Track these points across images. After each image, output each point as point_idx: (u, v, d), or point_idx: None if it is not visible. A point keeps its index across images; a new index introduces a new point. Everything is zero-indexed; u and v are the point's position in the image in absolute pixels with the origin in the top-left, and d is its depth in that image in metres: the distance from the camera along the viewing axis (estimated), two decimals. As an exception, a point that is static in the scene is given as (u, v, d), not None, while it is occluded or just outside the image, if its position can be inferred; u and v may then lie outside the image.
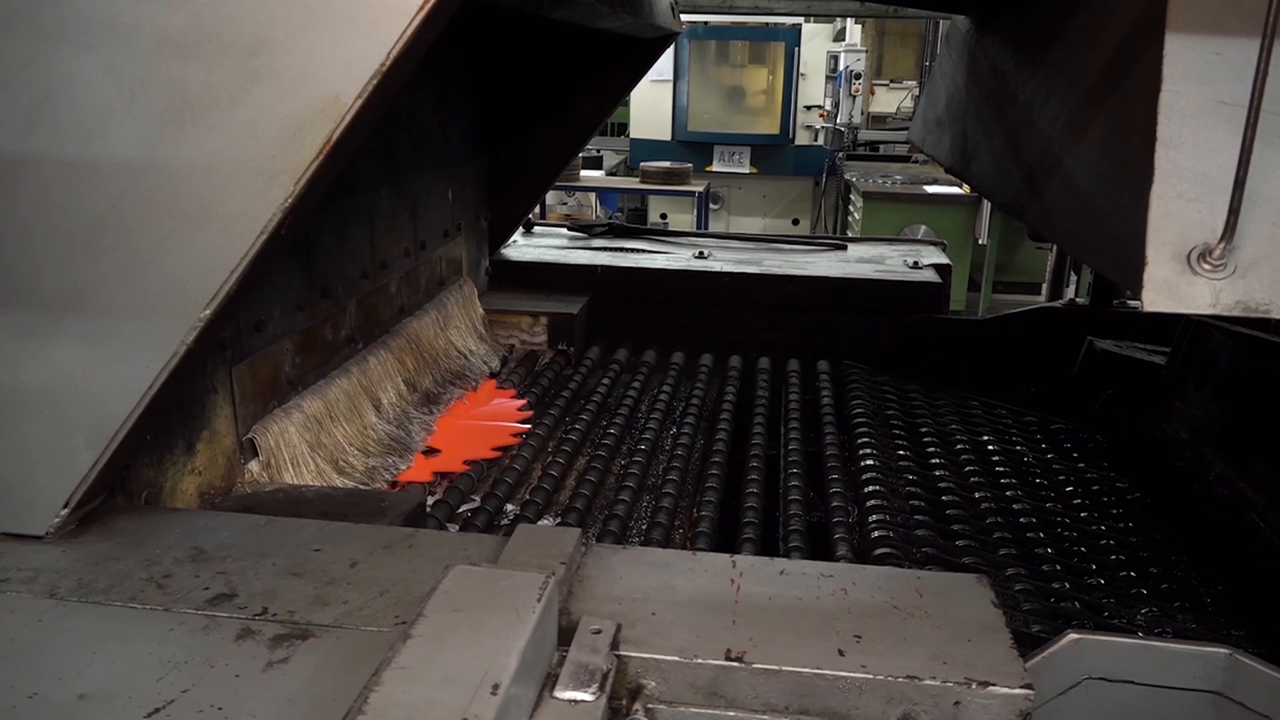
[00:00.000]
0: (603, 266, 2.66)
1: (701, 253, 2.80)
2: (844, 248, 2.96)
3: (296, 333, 1.63)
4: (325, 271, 1.73)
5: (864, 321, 2.53)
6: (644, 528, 1.61)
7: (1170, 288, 0.90)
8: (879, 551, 1.51)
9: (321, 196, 1.12)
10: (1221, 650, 1.10)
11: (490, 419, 2.05)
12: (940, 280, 2.60)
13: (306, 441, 1.56)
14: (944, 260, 2.79)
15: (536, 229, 3.07)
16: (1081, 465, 2.05)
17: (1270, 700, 1.04)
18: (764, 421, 2.07)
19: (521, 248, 2.85)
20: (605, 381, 2.29)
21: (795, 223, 8.73)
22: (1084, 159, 1.18)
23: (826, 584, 1.07)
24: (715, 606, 1.02)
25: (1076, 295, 4.05)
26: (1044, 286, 3.40)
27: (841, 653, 0.95)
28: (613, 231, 3.05)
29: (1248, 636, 1.44)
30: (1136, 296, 0.91)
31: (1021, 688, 0.91)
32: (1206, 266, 0.90)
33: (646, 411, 2.12)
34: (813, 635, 0.97)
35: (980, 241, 7.08)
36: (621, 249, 2.86)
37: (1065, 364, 2.37)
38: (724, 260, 2.75)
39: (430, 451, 1.85)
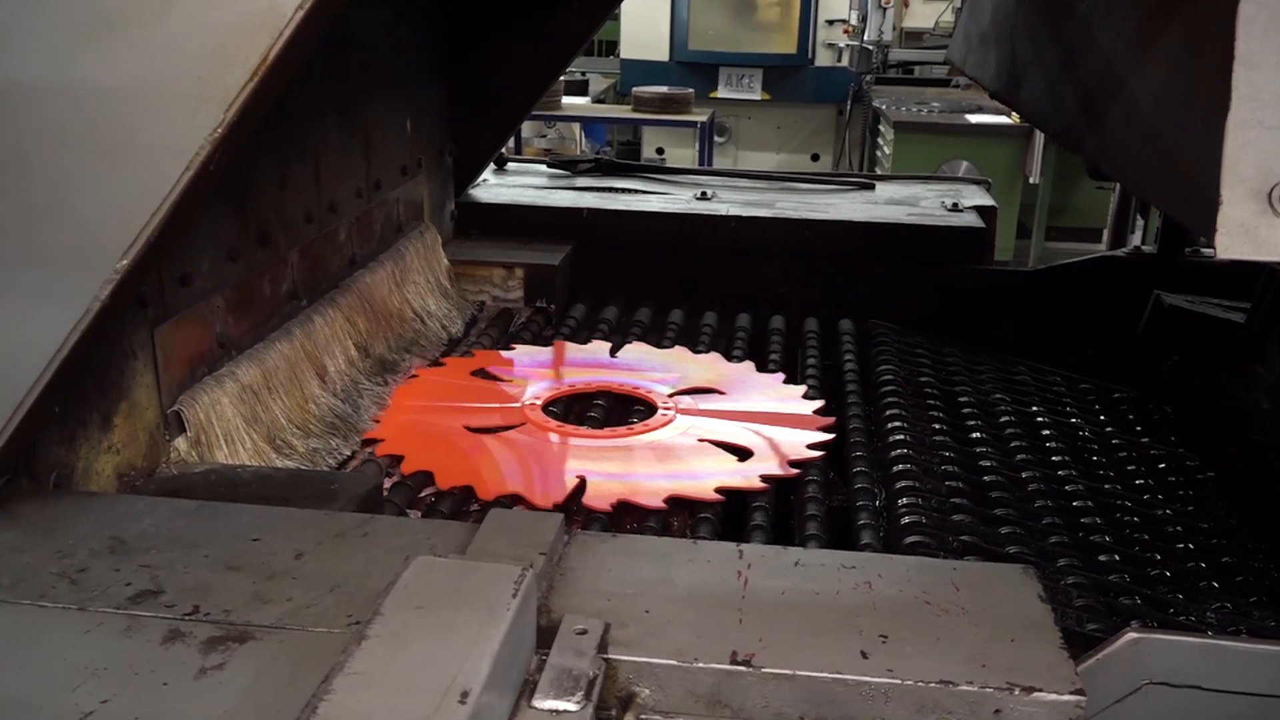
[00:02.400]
0: (589, 209, 2.66)
1: (704, 193, 2.80)
2: (871, 187, 2.96)
3: (229, 287, 1.63)
4: (262, 216, 1.73)
5: (894, 273, 2.53)
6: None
7: (1248, 231, 0.91)
8: (910, 540, 1.53)
9: (257, 127, 1.12)
10: (1301, 649, 1.12)
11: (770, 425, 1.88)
12: (983, 225, 2.60)
13: (242, 415, 1.56)
14: (988, 201, 2.79)
15: (510, 166, 3.06)
16: (1145, 440, 2.06)
17: (1356, 706, 1.06)
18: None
19: (493, 188, 2.84)
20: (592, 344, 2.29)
21: (815, 158, 8.71)
22: (1151, 80, 1.18)
23: (848, 576, 1.09)
24: (719, 602, 1.04)
25: (1143, 243, 4.05)
26: (1105, 232, 3.41)
27: (865, 654, 0.96)
28: (600, 168, 3.04)
29: (1334, 635, 1.46)
30: (1209, 242, 0.91)
31: (1071, 693, 0.93)
32: (1290, 207, 0.90)
33: (640, 379, 2.13)
34: (832, 634, 0.99)
35: (1031, 180, 7.07)
36: (610, 189, 2.85)
37: (1128, 323, 2.39)
38: (730, 202, 2.74)
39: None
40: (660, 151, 8.51)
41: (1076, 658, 1.09)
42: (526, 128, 7.94)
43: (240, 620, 1.01)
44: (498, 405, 1.94)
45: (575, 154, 6.90)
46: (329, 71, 1.93)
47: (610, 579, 1.08)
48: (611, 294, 2.59)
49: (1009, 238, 6.87)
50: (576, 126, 8.20)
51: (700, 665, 0.95)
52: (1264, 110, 0.93)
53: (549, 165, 3.08)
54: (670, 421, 1.89)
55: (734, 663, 0.95)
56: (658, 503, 1.61)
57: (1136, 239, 5.38)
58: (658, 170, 3.17)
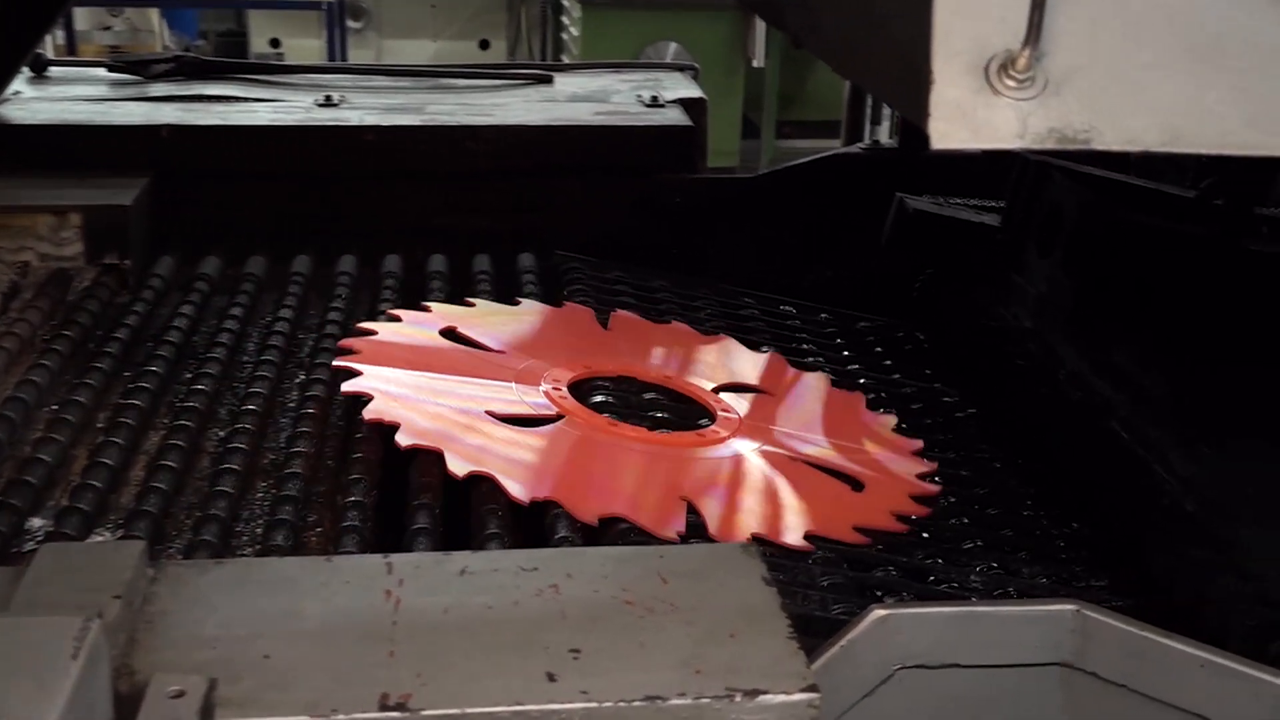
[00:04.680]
0: (169, 127, 2.56)
1: (329, 97, 2.75)
2: (549, 80, 3.00)
3: None
4: None
5: (584, 190, 2.59)
6: (259, 530, 1.60)
7: (964, 114, 0.99)
8: (619, 527, 1.58)
9: None
10: (1067, 607, 1.25)
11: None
12: (690, 122, 2.69)
13: None
14: (695, 92, 2.89)
15: (54, 71, 2.90)
16: (896, 376, 2.22)
17: (1126, 663, 1.20)
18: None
19: (29, 103, 2.69)
20: (186, 311, 2.22)
21: (484, 46, 8.73)
22: (855, -66, 1.26)
23: (529, 581, 1.12)
24: (364, 633, 1.05)
25: (891, 135, 4.32)
26: (841, 125, 3.61)
27: (552, 676, 1.00)
28: (184, 70, 2.93)
29: (1110, 587, 1.64)
30: (921, 129, 0.99)
31: (803, 692, 0.99)
32: (1010, 82, 0.99)
33: (256, 352, 2.09)
34: (510, 656, 1.02)
35: (755, 63, 7.37)
36: (201, 97, 2.76)
37: (870, 234, 2.55)
38: (366, 107, 2.71)
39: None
40: (275, 44, 8.30)
41: (817, 648, 1.17)
42: (81, 17, 7.53)
43: None
44: (515, 386, 1.89)
45: (155, 52, 6.59)
46: None
47: (216, 620, 1.06)
48: (212, 241, 2.50)
49: (732, 137, 7.15)
50: (154, 13, 7.86)
51: (341, 718, 0.95)
52: (978, -32, 1.01)
53: (110, 68, 2.93)
54: (738, 428, 1.90)
55: (385, 708, 0.96)
56: (799, 540, 1.62)
57: (884, 131, 5.74)
58: (267, 69, 3.08)
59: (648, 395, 1.99)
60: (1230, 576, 1.54)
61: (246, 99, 2.77)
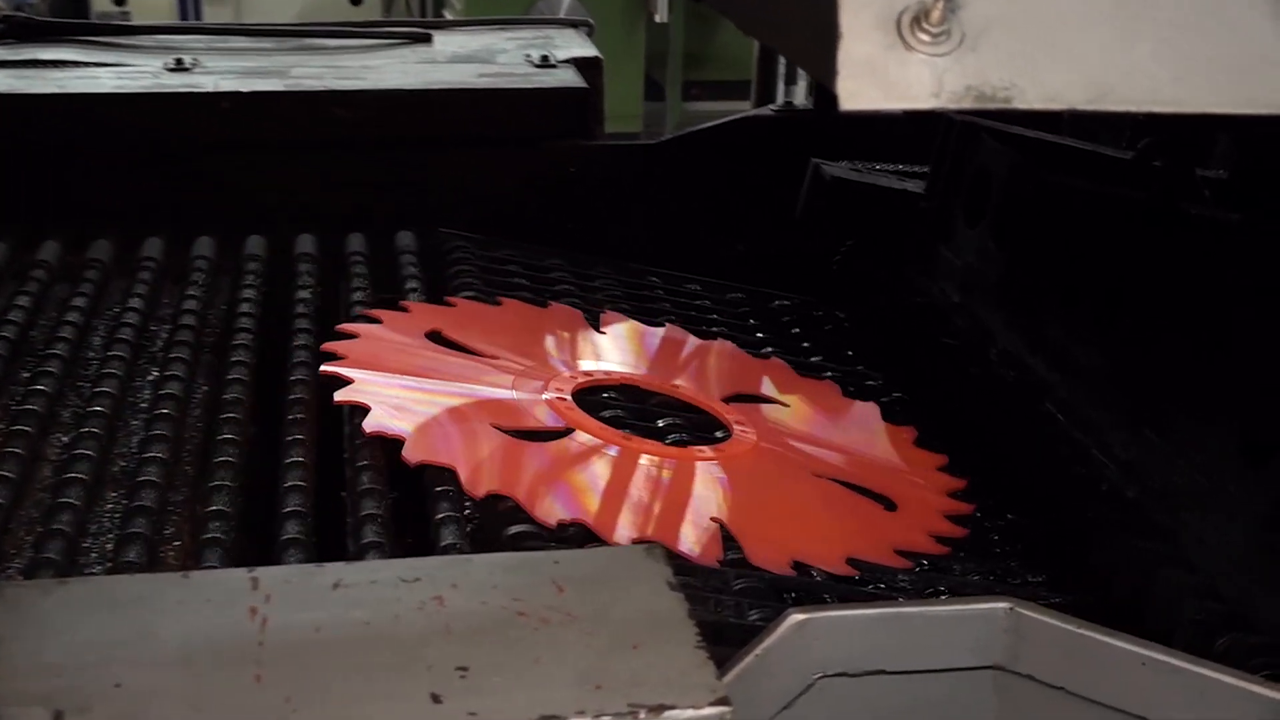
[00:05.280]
0: (-1, 96, 2.53)
1: (180, 61, 2.72)
2: (427, 39, 2.99)
3: None
4: None
5: (468, 161, 2.59)
6: (109, 546, 1.58)
7: (875, 71, 1.00)
8: (513, 530, 1.58)
9: None
10: (1000, 605, 1.27)
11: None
12: (584, 84, 2.70)
13: None
14: (590, 51, 2.89)
15: None
16: (817, 359, 2.24)
17: (1062, 663, 1.22)
18: (310, 344, 2.08)
19: None
20: (22, 302, 2.19)
21: (355, 1, 8.65)
22: (756, -125, 1.27)
23: (411, 593, 1.11)
24: (226, 656, 1.04)
25: (808, 96, 4.35)
26: (752, 85, 3.62)
27: (437, 698, 0.99)
28: (17, 32, 2.89)
29: (1048, 583, 1.67)
30: (830, 89, 1.00)
31: (713, 705, 1.00)
32: (923, 37, 1.00)
33: (102, 347, 2.07)
34: (389, 677, 1.01)
35: (658, 18, 7.37)
36: (35, 62, 2.72)
37: (785, 204, 2.57)
38: (222, 71, 2.68)
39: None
40: (120, 2, 8.17)
41: (728, 658, 1.18)
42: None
43: None
44: (515, 394, 1.87)
45: (-19, 11, 6.44)
46: None
47: (60, 645, 1.05)
48: (48, 224, 2.46)
49: (634, 99, 7.15)
50: (-19, -31, 7.70)
51: (202, 750, 0.95)
52: (887, -90, 1.02)
53: (-71, 31, 2.90)
54: (757, 442, 1.88)
55: (251, 739, 0.96)
56: (840, 566, 1.61)
57: (799, 92, 5.77)
58: (110, 30, 3.04)
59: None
60: (1175, 568, 1.57)
61: (87, 64, 2.73)
